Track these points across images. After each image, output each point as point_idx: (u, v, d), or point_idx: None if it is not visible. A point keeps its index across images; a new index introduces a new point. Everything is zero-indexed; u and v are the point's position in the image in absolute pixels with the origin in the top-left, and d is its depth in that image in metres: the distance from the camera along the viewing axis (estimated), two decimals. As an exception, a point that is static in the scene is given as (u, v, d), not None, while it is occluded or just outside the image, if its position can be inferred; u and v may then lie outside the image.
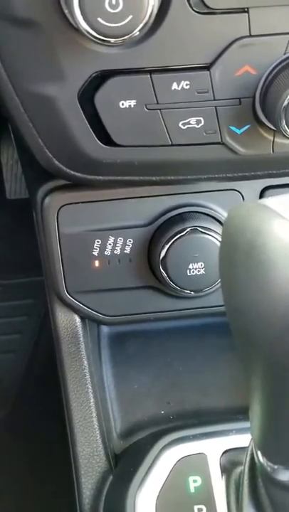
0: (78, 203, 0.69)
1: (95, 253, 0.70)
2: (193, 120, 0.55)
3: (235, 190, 0.70)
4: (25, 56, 0.51)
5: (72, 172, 0.61)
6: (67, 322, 0.74)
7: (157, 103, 0.54)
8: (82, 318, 0.75)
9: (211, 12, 0.50)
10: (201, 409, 0.75)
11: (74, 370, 0.72)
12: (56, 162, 0.59)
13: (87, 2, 0.45)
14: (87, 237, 0.70)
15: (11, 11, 0.48)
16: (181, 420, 0.73)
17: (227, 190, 0.69)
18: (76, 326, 0.74)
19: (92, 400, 0.71)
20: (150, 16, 0.47)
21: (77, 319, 0.75)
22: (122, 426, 0.75)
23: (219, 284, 0.69)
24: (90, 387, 0.72)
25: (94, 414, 0.71)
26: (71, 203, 0.69)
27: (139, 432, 0.73)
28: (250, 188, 0.70)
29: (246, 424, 0.65)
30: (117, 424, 0.75)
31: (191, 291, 0.70)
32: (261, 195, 0.71)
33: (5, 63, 0.52)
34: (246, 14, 0.50)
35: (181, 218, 0.70)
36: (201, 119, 0.55)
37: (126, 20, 0.46)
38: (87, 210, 0.69)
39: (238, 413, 0.71)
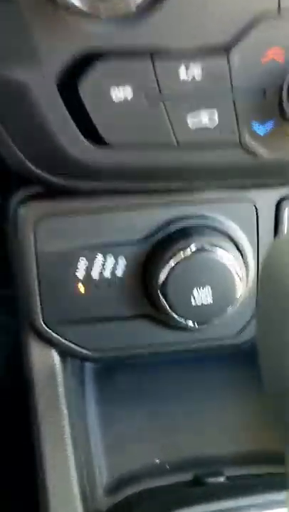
0: (59, 214, 0.61)
1: (80, 275, 0.62)
2: (204, 115, 0.48)
3: (248, 200, 0.62)
4: None
5: (50, 177, 0.53)
6: (44, 360, 0.66)
7: (160, 93, 0.46)
8: (63, 355, 0.67)
9: None
10: (201, 456, 0.71)
11: (50, 421, 0.64)
12: (30, 165, 0.52)
13: None
14: (71, 255, 0.61)
15: None
16: (178, 473, 0.68)
17: (238, 199, 0.62)
18: (54, 365, 0.66)
19: (71, 457, 0.63)
20: None
21: (56, 356, 0.66)
22: (109, 478, 0.69)
23: (230, 313, 0.62)
24: (69, 442, 0.64)
25: (73, 474, 0.63)
26: (51, 215, 0.61)
27: (129, 485, 0.68)
28: (265, 197, 0.62)
29: (265, 498, 0.58)
30: (103, 476, 0.69)
31: (195, 322, 0.62)
32: (278, 207, 0.63)
33: None
34: None
35: (185, 233, 0.62)
36: (215, 114, 0.47)
37: None
38: (71, 223, 0.61)
39: (244, 462, 0.69)
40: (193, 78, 0.45)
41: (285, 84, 0.46)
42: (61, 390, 0.65)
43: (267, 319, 0.36)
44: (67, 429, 0.64)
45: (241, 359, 0.71)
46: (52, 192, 0.59)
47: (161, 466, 0.70)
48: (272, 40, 0.45)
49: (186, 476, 0.68)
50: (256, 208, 0.62)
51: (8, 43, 0.44)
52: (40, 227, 0.60)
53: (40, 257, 0.61)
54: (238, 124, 0.48)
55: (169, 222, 0.62)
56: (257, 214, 0.63)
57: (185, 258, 0.60)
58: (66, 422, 0.64)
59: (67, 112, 0.47)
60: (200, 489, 0.65)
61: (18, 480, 0.77)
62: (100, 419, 0.72)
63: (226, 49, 0.45)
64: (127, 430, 0.72)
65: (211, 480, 0.65)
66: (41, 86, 0.45)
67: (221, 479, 0.65)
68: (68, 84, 0.46)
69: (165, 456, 0.70)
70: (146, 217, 0.62)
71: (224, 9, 0.44)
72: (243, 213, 0.63)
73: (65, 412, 0.64)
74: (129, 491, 0.68)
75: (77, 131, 0.48)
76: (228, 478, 0.66)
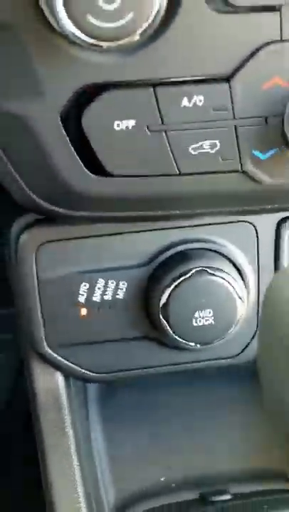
0: (60, 240, 0.61)
1: (82, 299, 0.63)
2: (206, 144, 0.48)
3: (248, 222, 0.63)
4: None
5: (52, 207, 0.54)
6: (48, 382, 0.67)
7: (162, 123, 0.47)
8: (66, 376, 0.67)
9: (233, 11, 0.43)
10: (205, 474, 0.71)
11: (56, 443, 0.65)
12: (32, 195, 0.52)
13: None
14: (72, 280, 0.62)
15: None
16: (184, 491, 0.69)
17: (238, 222, 0.63)
18: (58, 387, 0.67)
19: (78, 478, 0.64)
20: (156, 15, 0.40)
21: (60, 378, 0.67)
22: (116, 498, 0.70)
23: (231, 334, 0.63)
24: (75, 463, 0.64)
25: (80, 494, 0.63)
26: (52, 241, 0.61)
27: (136, 504, 0.69)
28: (265, 219, 0.63)
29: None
30: (110, 497, 0.70)
31: (197, 343, 0.63)
32: (278, 228, 0.64)
33: None
34: (278, 13, 0.44)
35: (185, 257, 0.63)
36: (217, 142, 0.48)
37: (124, 20, 0.39)
38: (72, 248, 0.62)
39: (249, 479, 0.69)
40: (195, 107, 0.45)
41: (287, 111, 0.46)
42: (66, 411, 0.66)
43: (269, 356, 0.36)
44: (72, 450, 0.65)
45: (243, 376, 0.71)
46: (52, 218, 0.59)
47: (166, 484, 0.71)
48: (275, 68, 0.45)
49: (192, 495, 0.68)
50: (256, 230, 0.63)
51: (10, 76, 0.44)
52: (42, 253, 0.61)
53: (42, 282, 0.62)
54: (239, 151, 0.48)
55: (169, 246, 0.63)
56: (257, 236, 0.63)
57: (185, 281, 0.61)
58: (72, 443, 0.65)
59: (70, 144, 0.47)
60: (206, 508, 0.66)
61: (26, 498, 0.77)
62: (105, 439, 0.72)
63: (227, 78, 0.45)
64: (131, 449, 0.73)
65: (217, 498, 0.66)
66: (44, 119, 0.45)
67: (227, 497, 0.66)
68: (72, 116, 0.46)
69: (170, 474, 0.70)
70: (147, 241, 0.63)
71: (225, 39, 0.45)
72: (242, 235, 0.63)
73: (71, 433, 0.65)
74: (136, 510, 0.68)
75: (80, 162, 0.48)
76: (233, 495, 0.67)
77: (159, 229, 0.62)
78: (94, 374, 0.66)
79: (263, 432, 0.72)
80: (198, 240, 0.63)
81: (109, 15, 0.39)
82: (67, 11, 0.38)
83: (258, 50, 0.45)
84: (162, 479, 0.71)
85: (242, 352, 0.66)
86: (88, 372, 0.66)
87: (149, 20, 0.39)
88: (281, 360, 0.33)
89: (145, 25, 0.39)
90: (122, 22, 0.39)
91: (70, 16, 0.38)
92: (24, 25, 0.41)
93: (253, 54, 0.45)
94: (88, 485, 0.66)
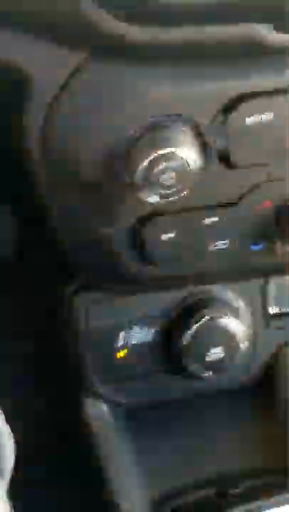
0: (104, 300, 0.83)
1: (120, 344, 0.85)
2: (220, 243, 0.73)
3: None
4: (82, 210, 0.68)
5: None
6: (96, 410, 0.86)
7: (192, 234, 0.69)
8: (109, 405, 0.86)
9: (237, 167, 0.64)
10: (221, 473, 0.89)
11: (109, 455, 0.87)
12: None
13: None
14: (114, 330, 0.82)
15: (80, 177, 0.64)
16: (203, 489, 0.86)
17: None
18: (105, 414, 0.88)
19: (126, 481, 0.86)
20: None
21: (105, 407, 0.86)
22: (151, 499, 0.87)
23: (240, 359, 0.83)
24: (123, 472, 0.86)
25: (131, 494, 0.86)
26: (98, 301, 0.83)
27: (165, 503, 0.86)
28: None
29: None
30: (145, 497, 0.87)
31: (210, 372, 0.83)
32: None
33: (61, 218, 0.69)
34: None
35: (197, 306, 0.82)
36: (227, 241, 0.73)
37: (177, 196, 0.61)
38: (113, 306, 0.81)
39: (259, 475, 0.86)
40: (213, 222, 0.70)
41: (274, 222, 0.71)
42: (112, 432, 0.88)
43: None
44: (121, 460, 0.85)
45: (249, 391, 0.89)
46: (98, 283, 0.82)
47: (188, 484, 0.86)
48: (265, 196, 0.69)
49: (210, 491, 0.85)
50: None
51: (94, 215, 0.67)
52: (90, 312, 0.82)
53: (91, 333, 0.83)
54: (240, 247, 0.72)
55: (185, 298, 0.84)
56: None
57: (199, 326, 0.80)
58: (119, 454, 0.85)
59: (133, 249, 0.68)
60: (223, 501, 0.82)
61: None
62: (136, 452, 0.88)
63: (236, 202, 0.69)
64: (157, 458, 0.88)
65: (232, 491, 0.82)
66: (116, 236, 0.68)
67: (240, 490, 0.82)
68: (133, 231, 0.68)
69: (190, 476, 0.87)
70: (170, 295, 0.81)
71: (230, 183, 0.69)
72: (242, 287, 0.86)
73: (118, 447, 0.85)
74: (165, 508, 0.84)
75: (138, 258, 0.70)
76: (245, 488, 0.82)
77: (176, 287, 0.80)
78: (129, 401, 0.86)
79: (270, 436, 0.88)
80: (205, 292, 0.83)
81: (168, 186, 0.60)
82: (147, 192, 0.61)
83: (252, 189, 0.67)
84: (185, 481, 0.86)
85: (244, 374, 0.87)
86: (125, 401, 0.85)
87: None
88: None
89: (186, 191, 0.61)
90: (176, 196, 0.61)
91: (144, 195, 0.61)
92: (111, 188, 0.64)
93: (249, 191, 0.68)
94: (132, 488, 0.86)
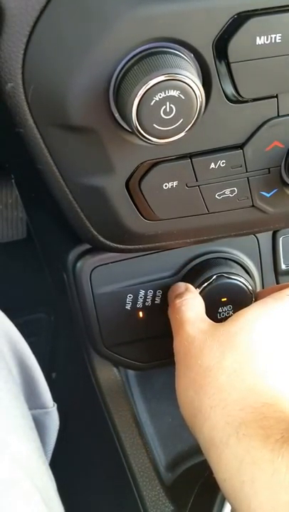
0: (108, 263, 0.75)
1: (128, 307, 0.77)
2: (228, 191, 0.62)
3: (253, 235, 0.78)
4: (77, 155, 0.56)
5: (114, 245, 0.67)
6: (107, 372, 0.81)
7: (196, 181, 0.60)
8: (119, 367, 0.82)
9: (244, 101, 0.55)
10: None
11: (122, 420, 0.79)
12: (101, 238, 0.65)
13: (145, 111, 0.49)
14: (120, 293, 0.76)
15: (67, 120, 0.53)
16: None
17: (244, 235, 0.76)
18: (116, 376, 0.81)
19: (141, 442, 0.79)
20: (197, 116, 0.52)
21: (116, 370, 0.82)
22: (167, 459, 0.82)
23: None
24: (136, 432, 0.79)
25: (146, 454, 0.79)
26: (101, 265, 0.75)
27: (184, 462, 0.82)
28: (264, 233, 0.79)
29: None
30: (161, 457, 0.82)
31: None
32: (274, 237, 0.80)
33: (56, 162, 0.58)
34: (275, 99, 0.56)
35: (206, 266, 0.77)
36: (235, 189, 0.62)
37: (177, 124, 0.50)
38: (118, 269, 0.75)
39: None
40: (219, 168, 0.59)
41: (282, 163, 0.61)
42: (124, 393, 0.81)
43: None
44: (135, 423, 0.80)
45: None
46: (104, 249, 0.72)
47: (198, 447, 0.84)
48: (274, 136, 0.58)
49: None
50: (257, 239, 0.78)
51: (89, 162, 0.57)
52: (95, 275, 0.75)
53: (97, 297, 0.75)
54: (251, 193, 0.62)
55: (192, 258, 0.77)
56: (259, 245, 0.78)
57: (209, 285, 0.75)
58: (133, 417, 0.80)
59: (132, 201, 0.60)
60: None
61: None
62: (149, 415, 0.84)
63: (241, 146, 0.58)
64: (169, 420, 0.83)
65: None
66: (114, 186, 0.58)
67: None
68: (132, 183, 0.59)
69: None
70: (175, 256, 0.76)
71: (239, 120, 0.56)
72: (248, 245, 0.78)
73: (130, 407, 0.80)
74: (183, 467, 0.82)
75: (138, 213, 0.62)
76: None
77: (182, 248, 0.74)
78: (141, 363, 0.81)
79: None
80: (214, 252, 0.77)
81: (167, 122, 0.49)
82: (140, 123, 0.49)
83: (262, 125, 0.57)
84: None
85: None
86: (137, 363, 0.81)
87: (192, 122, 0.52)
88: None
89: (190, 125, 0.51)
90: (175, 125, 0.50)
91: (141, 126, 0.50)
92: (103, 129, 0.53)
93: (258, 128, 0.57)
94: (148, 445, 0.81)
